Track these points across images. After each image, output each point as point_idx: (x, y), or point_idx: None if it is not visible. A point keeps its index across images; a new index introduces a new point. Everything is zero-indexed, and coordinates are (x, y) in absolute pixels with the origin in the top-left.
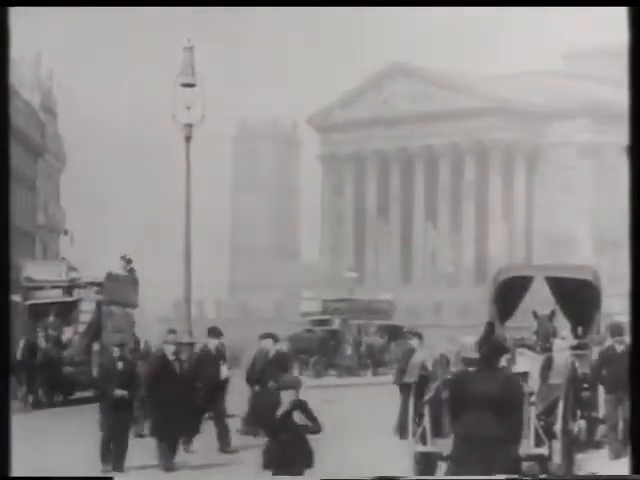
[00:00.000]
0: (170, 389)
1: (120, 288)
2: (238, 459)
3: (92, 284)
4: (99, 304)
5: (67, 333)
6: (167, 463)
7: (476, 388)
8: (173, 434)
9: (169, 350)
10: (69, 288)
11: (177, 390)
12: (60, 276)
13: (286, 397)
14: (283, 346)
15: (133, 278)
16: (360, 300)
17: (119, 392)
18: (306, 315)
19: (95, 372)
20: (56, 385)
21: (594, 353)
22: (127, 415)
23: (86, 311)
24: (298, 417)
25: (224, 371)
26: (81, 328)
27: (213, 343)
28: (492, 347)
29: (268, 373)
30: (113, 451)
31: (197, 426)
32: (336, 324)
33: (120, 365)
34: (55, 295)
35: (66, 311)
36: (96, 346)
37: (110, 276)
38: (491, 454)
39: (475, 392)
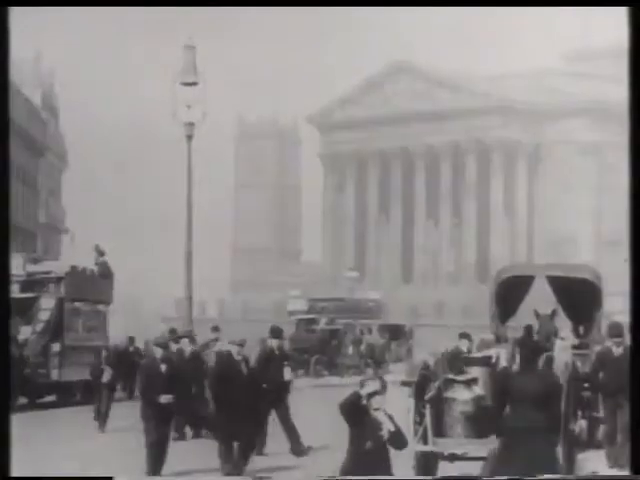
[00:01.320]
0: (236, 390)
1: (88, 283)
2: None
3: (52, 279)
4: (60, 301)
5: (25, 332)
6: (240, 465)
7: (519, 385)
8: (237, 436)
9: (234, 350)
10: (29, 283)
11: (242, 391)
12: (17, 270)
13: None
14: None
15: (105, 271)
16: (347, 299)
17: (165, 398)
18: (292, 314)
19: (55, 375)
20: (15, 388)
21: (594, 353)
22: (170, 420)
23: (46, 308)
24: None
25: (288, 372)
26: (40, 327)
27: (275, 343)
28: (531, 348)
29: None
30: (154, 456)
31: (263, 428)
32: (322, 323)
33: (163, 368)
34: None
35: (24, 308)
36: (56, 347)
37: (74, 270)
38: (536, 446)
39: (518, 389)
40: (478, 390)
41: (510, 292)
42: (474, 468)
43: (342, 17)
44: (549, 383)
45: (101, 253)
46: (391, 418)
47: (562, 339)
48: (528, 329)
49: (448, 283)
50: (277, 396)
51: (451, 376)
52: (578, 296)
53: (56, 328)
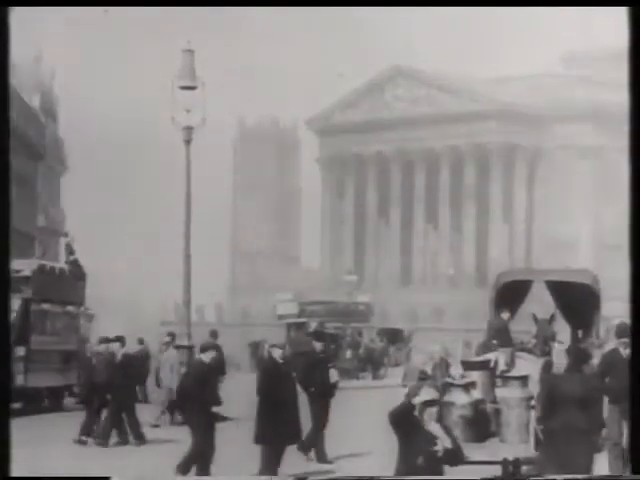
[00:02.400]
0: (281, 393)
1: (57, 283)
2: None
3: (18, 278)
4: (26, 302)
5: None
6: (272, 472)
7: (567, 389)
8: (281, 441)
9: (277, 353)
10: None
11: (287, 394)
12: None
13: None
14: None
15: (76, 271)
16: (337, 303)
17: (215, 410)
18: (282, 318)
19: (20, 380)
20: None
21: (595, 357)
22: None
23: (11, 310)
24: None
25: (334, 374)
26: None
27: (319, 346)
28: (578, 355)
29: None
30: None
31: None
32: (312, 327)
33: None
34: None
35: None
36: (21, 350)
37: (42, 269)
38: (579, 443)
39: (566, 392)
40: (476, 394)
41: (509, 296)
42: (472, 472)
43: (342, 18)
44: (593, 387)
45: (71, 252)
46: (449, 432)
47: (560, 343)
48: (575, 336)
49: (447, 287)
50: (322, 399)
51: (449, 380)
52: (576, 300)
53: (22, 331)
